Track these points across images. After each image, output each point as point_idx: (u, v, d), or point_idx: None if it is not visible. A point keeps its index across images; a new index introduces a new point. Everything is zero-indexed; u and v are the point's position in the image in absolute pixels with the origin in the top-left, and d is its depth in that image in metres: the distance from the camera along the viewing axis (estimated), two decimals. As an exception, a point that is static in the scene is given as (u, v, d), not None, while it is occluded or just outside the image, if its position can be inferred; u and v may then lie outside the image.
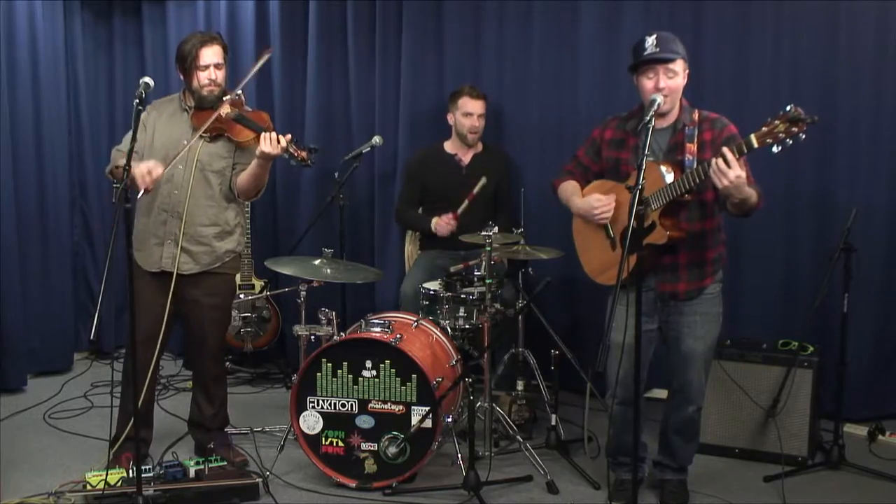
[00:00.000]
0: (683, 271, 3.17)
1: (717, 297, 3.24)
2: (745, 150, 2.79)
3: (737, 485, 3.56)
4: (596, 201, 3.22)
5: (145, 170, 3.25)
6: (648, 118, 2.84)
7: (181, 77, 3.56)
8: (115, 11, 5.58)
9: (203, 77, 3.48)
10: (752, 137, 2.77)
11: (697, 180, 2.92)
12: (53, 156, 5.10)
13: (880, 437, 4.02)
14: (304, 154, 3.52)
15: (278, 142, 3.37)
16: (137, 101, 3.20)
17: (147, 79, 3.30)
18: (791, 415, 3.72)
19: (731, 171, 2.78)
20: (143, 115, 3.54)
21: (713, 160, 2.82)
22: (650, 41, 3.07)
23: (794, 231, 4.26)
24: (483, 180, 4.20)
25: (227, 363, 5.05)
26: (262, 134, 3.40)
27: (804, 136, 2.70)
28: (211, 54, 3.47)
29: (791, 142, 2.71)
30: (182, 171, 3.50)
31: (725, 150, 2.80)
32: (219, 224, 3.58)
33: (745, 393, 3.75)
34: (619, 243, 3.20)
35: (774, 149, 2.74)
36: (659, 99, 2.96)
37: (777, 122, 2.72)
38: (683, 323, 3.20)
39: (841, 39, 4.10)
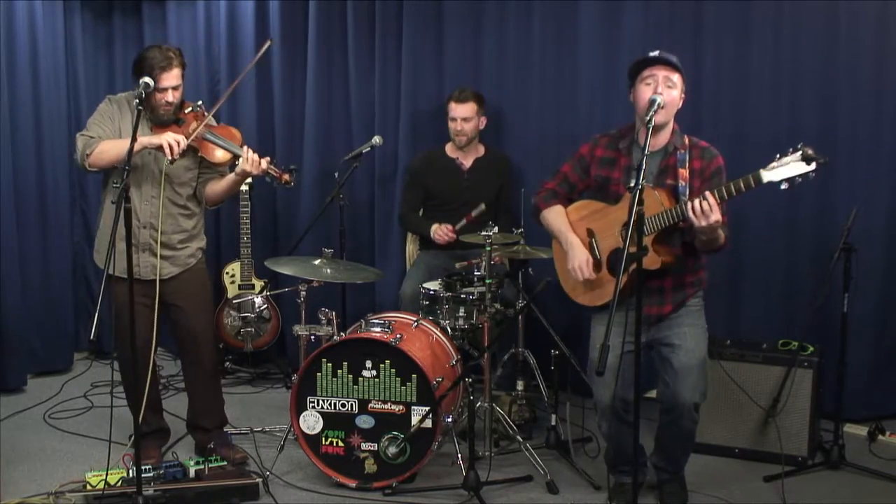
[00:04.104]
0: (668, 294, 3.18)
1: (701, 311, 3.26)
2: (735, 193, 2.82)
3: (737, 485, 3.56)
4: (581, 266, 3.21)
5: (173, 140, 3.34)
6: (649, 118, 2.85)
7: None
8: (115, 11, 5.58)
9: (160, 98, 3.47)
10: (761, 173, 2.77)
11: (681, 216, 2.93)
12: (53, 156, 5.09)
13: (880, 437, 4.02)
14: (286, 176, 3.65)
15: (259, 163, 3.50)
16: (137, 101, 3.21)
17: (147, 79, 3.31)
18: (791, 415, 3.72)
19: (713, 216, 2.82)
20: (103, 106, 3.57)
21: (696, 200, 2.84)
22: (653, 53, 3.09)
23: (795, 231, 4.25)
24: (482, 207, 4.21)
25: (227, 363, 5.07)
26: (244, 154, 3.50)
27: (814, 175, 2.72)
28: (171, 78, 3.46)
29: (800, 180, 2.72)
30: (150, 183, 3.54)
31: (708, 194, 2.83)
32: (187, 230, 3.65)
33: (745, 393, 3.75)
34: (605, 264, 3.20)
35: (782, 186, 2.75)
36: (659, 99, 2.94)
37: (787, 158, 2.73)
38: (672, 336, 3.18)
39: (841, 39, 4.09)
